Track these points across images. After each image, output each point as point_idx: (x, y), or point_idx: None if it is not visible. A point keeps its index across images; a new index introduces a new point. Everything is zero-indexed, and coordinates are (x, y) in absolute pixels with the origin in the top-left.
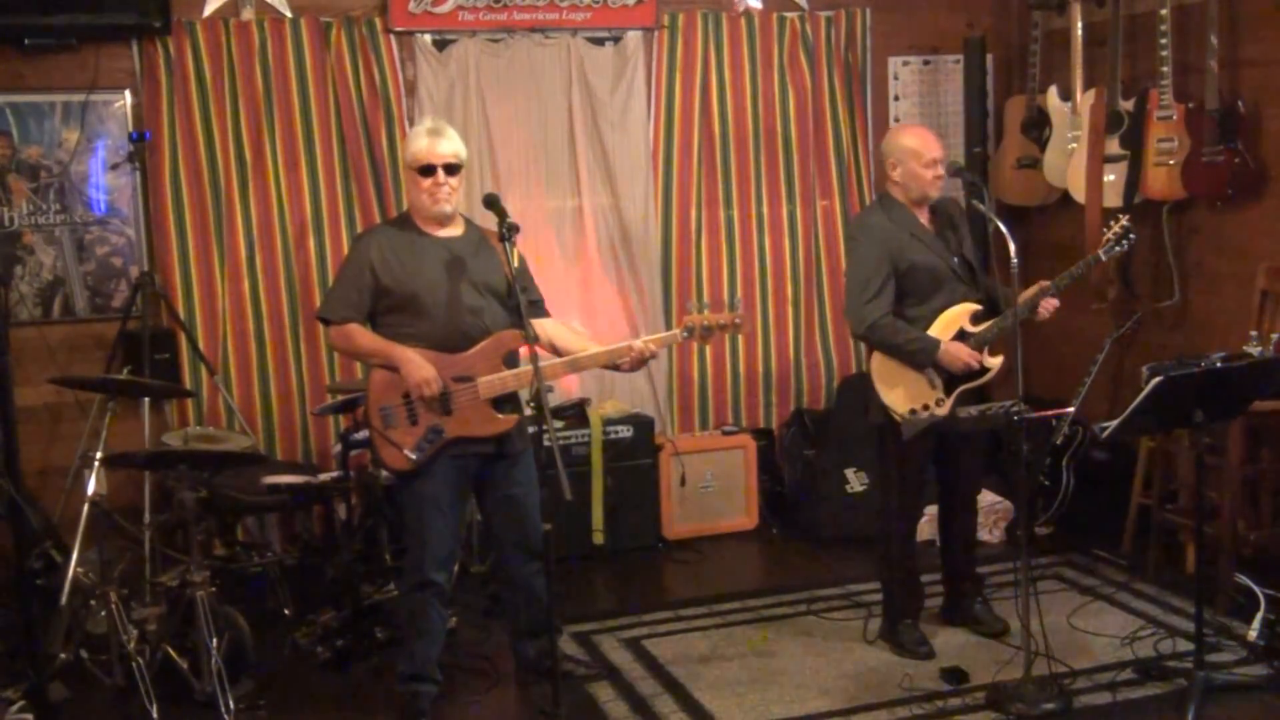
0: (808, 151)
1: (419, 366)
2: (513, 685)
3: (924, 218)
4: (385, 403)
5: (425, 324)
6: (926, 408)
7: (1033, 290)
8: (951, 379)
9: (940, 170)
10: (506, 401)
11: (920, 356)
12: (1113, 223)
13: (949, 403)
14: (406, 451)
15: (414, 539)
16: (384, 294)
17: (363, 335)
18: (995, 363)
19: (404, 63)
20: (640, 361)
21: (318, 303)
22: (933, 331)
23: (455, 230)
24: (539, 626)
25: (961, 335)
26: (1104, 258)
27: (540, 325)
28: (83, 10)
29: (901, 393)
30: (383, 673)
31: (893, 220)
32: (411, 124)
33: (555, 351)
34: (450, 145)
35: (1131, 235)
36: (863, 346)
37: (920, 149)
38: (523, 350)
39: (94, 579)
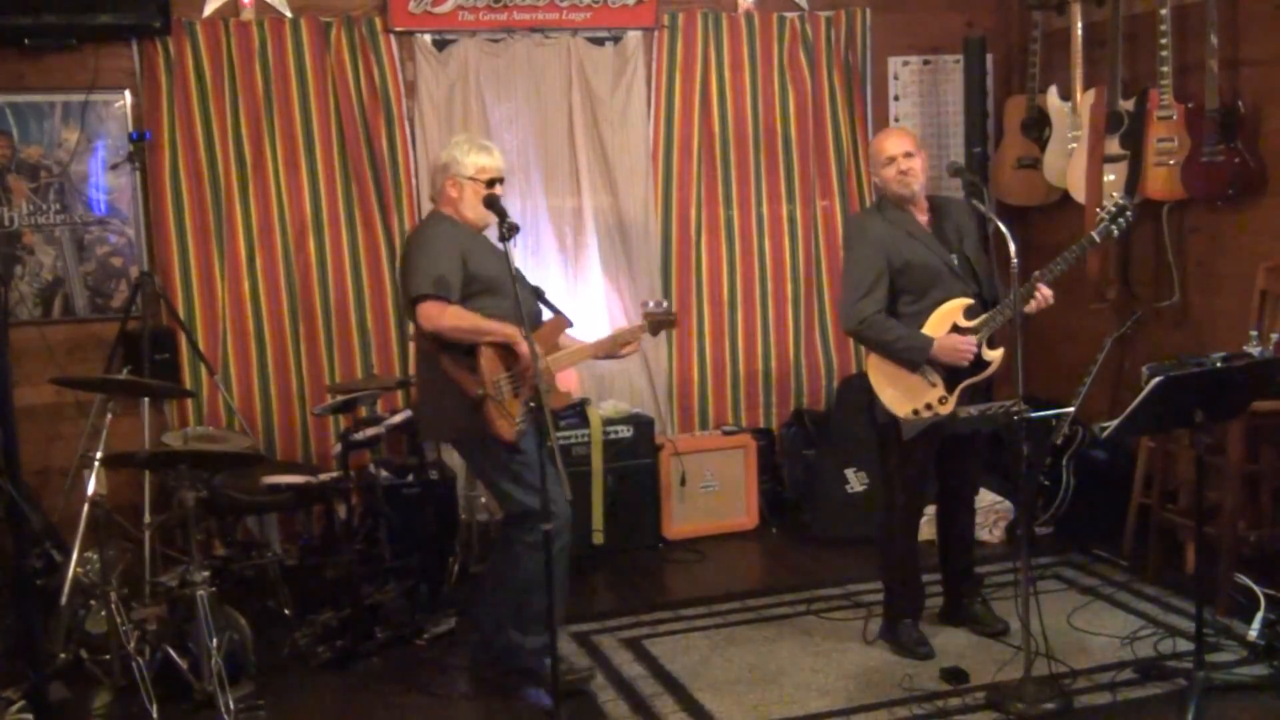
0: (808, 151)
1: (529, 344)
2: (512, 686)
3: (921, 216)
4: (498, 375)
5: (508, 305)
6: (929, 407)
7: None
8: (954, 375)
9: (905, 165)
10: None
11: (912, 355)
12: (1106, 201)
13: (953, 400)
14: (517, 421)
15: (531, 489)
16: (472, 280)
17: (473, 313)
18: (995, 355)
19: (404, 63)
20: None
21: (317, 302)
22: (926, 329)
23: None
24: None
25: (956, 331)
26: (1097, 239)
27: None
28: (83, 10)
29: (900, 394)
30: (382, 673)
31: (888, 220)
32: (411, 124)
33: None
34: None
35: (1129, 213)
36: (863, 347)
37: (880, 149)
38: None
39: (94, 579)
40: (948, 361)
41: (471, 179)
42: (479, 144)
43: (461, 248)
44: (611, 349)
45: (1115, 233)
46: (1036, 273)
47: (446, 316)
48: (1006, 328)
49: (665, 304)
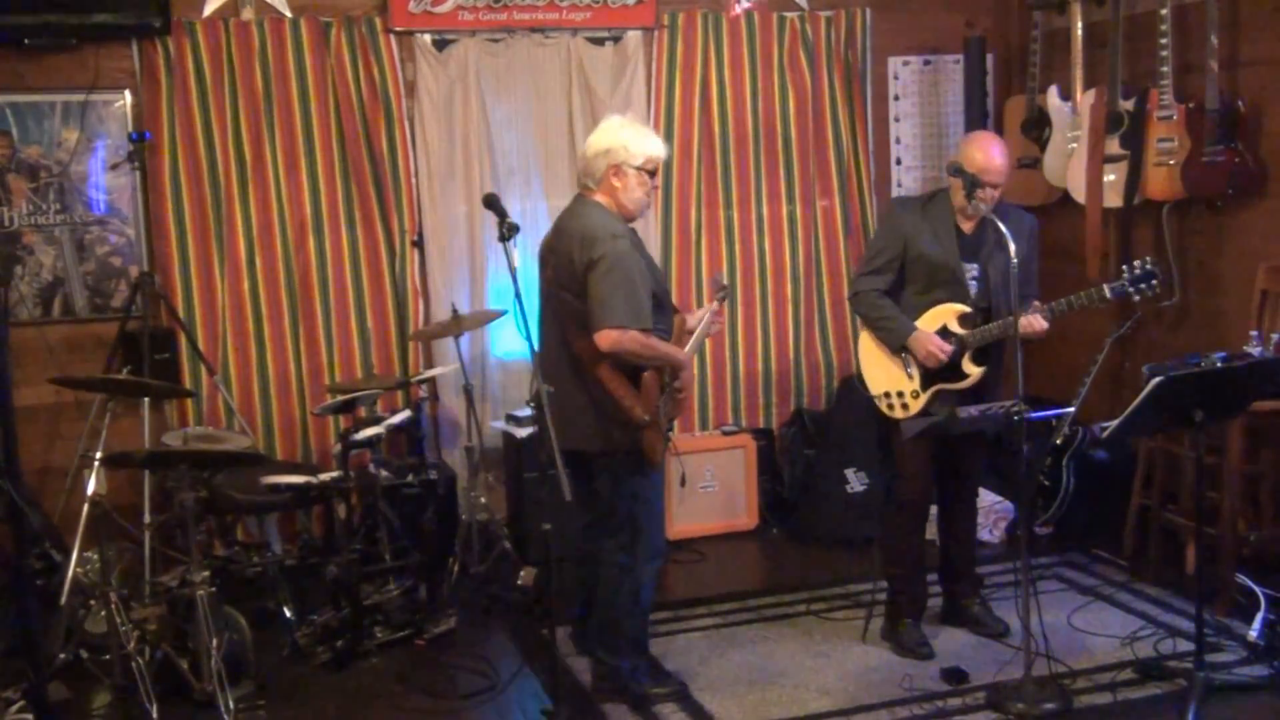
0: (808, 151)
1: (689, 365)
2: (513, 685)
3: (966, 224)
4: (657, 401)
5: (666, 319)
6: (900, 396)
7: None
8: (928, 376)
9: (994, 194)
10: None
11: (889, 337)
12: (1136, 263)
13: (924, 397)
14: (662, 446)
15: (653, 518)
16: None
17: (657, 339)
18: (974, 371)
19: (404, 63)
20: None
21: (317, 302)
22: (919, 323)
23: None
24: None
25: (944, 333)
26: (1109, 296)
27: None
28: (83, 10)
29: (879, 373)
30: (382, 673)
31: (926, 211)
32: (411, 124)
33: None
34: None
35: (1154, 282)
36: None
37: (988, 162)
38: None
39: (94, 579)
40: (919, 356)
41: (639, 169)
42: (644, 131)
43: (644, 270)
44: (705, 335)
45: (1135, 298)
46: (1038, 303)
47: (636, 345)
48: (1009, 343)
49: (719, 276)
